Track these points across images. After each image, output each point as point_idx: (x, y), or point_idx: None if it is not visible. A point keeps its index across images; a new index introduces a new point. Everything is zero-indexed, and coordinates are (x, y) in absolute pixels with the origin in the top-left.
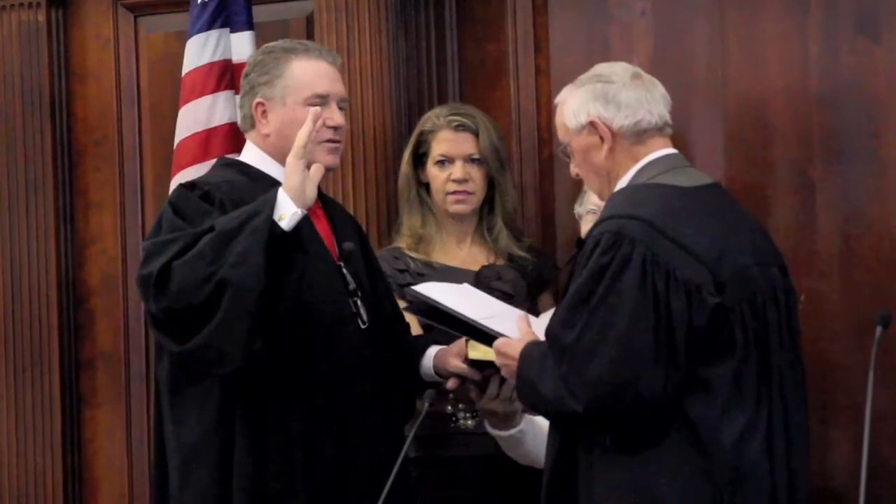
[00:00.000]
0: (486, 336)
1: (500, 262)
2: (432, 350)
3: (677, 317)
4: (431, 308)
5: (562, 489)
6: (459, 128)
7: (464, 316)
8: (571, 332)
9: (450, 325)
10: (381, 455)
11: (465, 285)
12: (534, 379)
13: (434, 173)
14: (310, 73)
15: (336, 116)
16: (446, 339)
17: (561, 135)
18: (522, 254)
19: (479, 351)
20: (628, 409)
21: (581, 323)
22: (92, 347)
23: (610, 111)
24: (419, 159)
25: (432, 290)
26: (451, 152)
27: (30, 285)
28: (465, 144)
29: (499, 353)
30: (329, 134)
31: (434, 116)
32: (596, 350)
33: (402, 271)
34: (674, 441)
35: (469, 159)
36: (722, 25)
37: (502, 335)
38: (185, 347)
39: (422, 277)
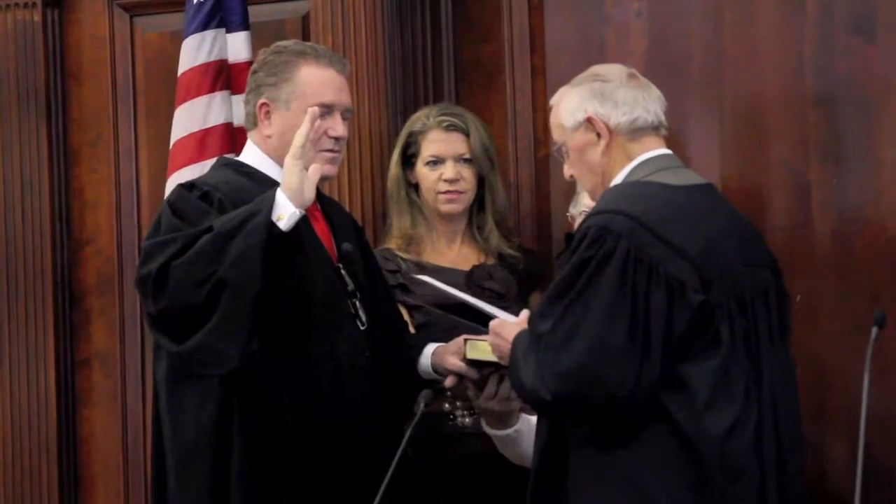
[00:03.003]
0: (486, 317)
1: (491, 261)
2: (430, 348)
3: (655, 313)
4: (439, 298)
5: (549, 480)
6: (450, 128)
7: (466, 300)
8: (546, 322)
9: (454, 312)
10: (379, 455)
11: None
12: (519, 365)
13: (424, 173)
14: (317, 80)
15: (338, 127)
16: (444, 338)
17: (556, 135)
18: (513, 253)
19: (477, 351)
20: (597, 402)
21: (557, 314)
22: (87, 347)
23: (607, 108)
24: (408, 160)
25: (435, 280)
26: (442, 152)
27: (26, 285)
28: (455, 144)
29: (493, 332)
30: (329, 144)
31: (423, 117)
32: (568, 342)
33: (393, 272)
34: (657, 436)
35: (460, 159)
36: (717, 26)
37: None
38: (183, 347)
39: (413, 278)
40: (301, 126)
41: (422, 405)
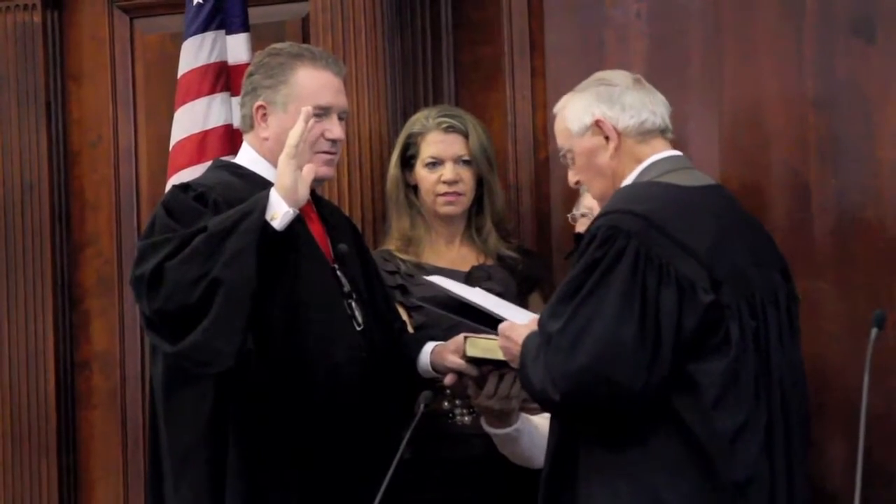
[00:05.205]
0: (494, 322)
1: (490, 262)
2: (429, 346)
3: (665, 313)
4: (442, 298)
5: (559, 480)
6: (449, 129)
7: (473, 302)
8: (557, 322)
9: (457, 313)
10: (377, 456)
11: (478, 289)
12: (528, 367)
13: (423, 175)
14: (314, 83)
15: (335, 129)
16: (444, 337)
17: (561, 140)
18: (511, 254)
19: (477, 348)
20: (606, 402)
21: (567, 314)
22: (87, 349)
23: (615, 111)
24: (407, 162)
25: (444, 280)
26: (442, 154)
27: (25, 286)
28: (454, 146)
29: (503, 335)
30: (326, 146)
31: (423, 118)
32: (578, 342)
33: (392, 273)
34: (667, 437)
35: (459, 160)
36: (717, 26)
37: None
38: (177, 348)
39: (412, 279)
40: (296, 125)
41: (421, 406)
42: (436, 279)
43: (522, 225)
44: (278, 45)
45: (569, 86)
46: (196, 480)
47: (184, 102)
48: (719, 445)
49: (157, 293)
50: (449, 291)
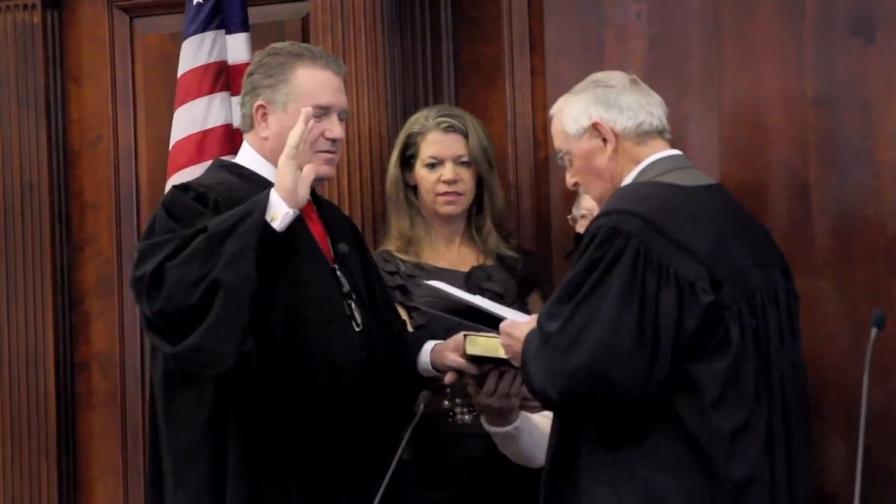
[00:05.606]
0: (495, 323)
1: (490, 262)
2: (429, 345)
3: (665, 313)
4: (443, 302)
5: (561, 479)
6: (449, 129)
7: (474, 304)
8: (555, 322)
9: (458, 316)
10: (376, 457)
11: (478, 296)
12: (529, 365)
13: (423, 175)
14: (314, 82)
15: (336, 129)
16: (444, 337)
17: (559, 142)
18: (511, 254)
19: (477, 346)
20: (605, 402)
21: (566, 314)
22: (87, 349)
23: (612, 113)
24: (406, 162)
25: (445, 286)
26: (441, 154)
27: (25, 286)
28: (454, 146)
29: (505, 332)
30: (326, 145)
31: (422, 118)
32: (576, 342)
33: (392, 273)
34: (666, 437)
35: (458, 160)
36: (717, 26)
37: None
38: (177, 349)
39: (412, 279)
40: (296, 125)
41: (421, 406)
42: (436, 284)
43: (522, 225)
44: (278, 45)
45: (569, 85)
46: (196, 480)
47: (183, 102)
48: (719, 445)
49: (158, 294)
50: (450, 295)
